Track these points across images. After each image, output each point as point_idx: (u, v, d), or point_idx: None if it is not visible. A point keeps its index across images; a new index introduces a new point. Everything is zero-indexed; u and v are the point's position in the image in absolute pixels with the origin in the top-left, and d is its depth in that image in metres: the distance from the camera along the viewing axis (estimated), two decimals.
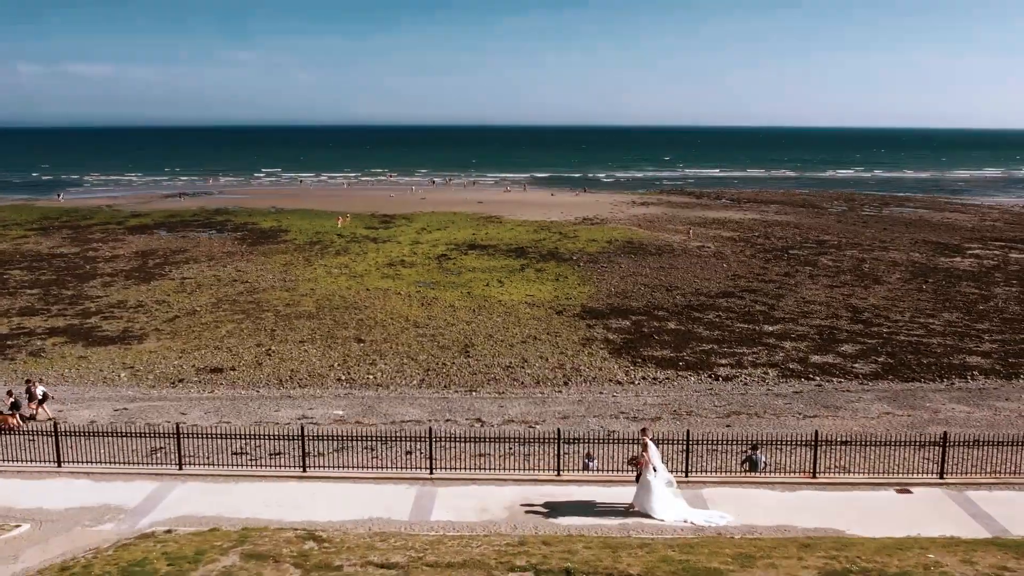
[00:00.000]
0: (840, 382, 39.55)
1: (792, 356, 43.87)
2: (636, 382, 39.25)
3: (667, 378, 39.94)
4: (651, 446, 20.79)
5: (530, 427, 31.14)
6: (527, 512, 20.59)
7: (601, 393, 37.04)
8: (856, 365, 42.35)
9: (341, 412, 33.19)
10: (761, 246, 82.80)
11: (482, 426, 31.51)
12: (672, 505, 20.26)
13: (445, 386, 38.63)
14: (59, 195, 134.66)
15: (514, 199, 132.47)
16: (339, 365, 42.00)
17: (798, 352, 44.68)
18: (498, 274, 66.48)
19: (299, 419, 32.50)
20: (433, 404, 34.61)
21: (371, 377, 39.98)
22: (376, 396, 36.51)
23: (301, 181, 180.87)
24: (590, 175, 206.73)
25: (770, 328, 49.81)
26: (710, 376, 40.32)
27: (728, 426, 30.98)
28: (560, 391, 37.63)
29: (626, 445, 23.87)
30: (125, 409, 34.26)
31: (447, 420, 32.05)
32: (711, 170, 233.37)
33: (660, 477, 20.54)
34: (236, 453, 25.54)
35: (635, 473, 21.15)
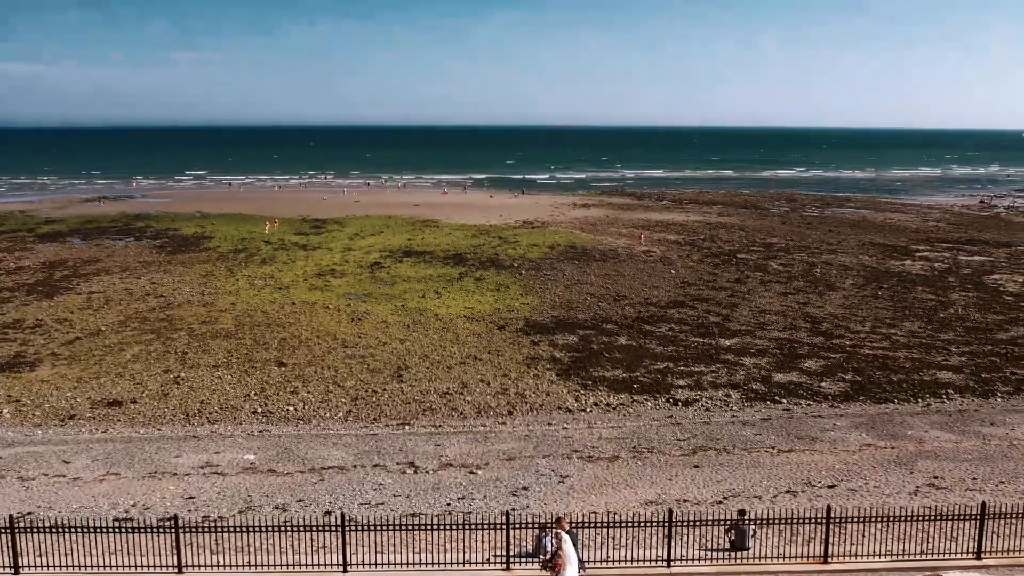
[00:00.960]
0: (809, 405, 36.26)
1: (754, 375, 40.52)
2: (588, 409, 35.44)
3: (621, 404, 36.21)
4: (567, 541, 16.77)
5: (471, 473, 27.09)
6: None
7: (550, 425, 33.13)
8: (823, 384, 39.15)
9: (252, 457, 28.75)
10: (708, 250, 79.90)
11: (415, 472, 27.34)
12: None
13: (375, 419, 34.33)
14: None
15: (452, 201, 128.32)
16: (256, 394, 37.42)
17: (759, 370, 41.36)
18: (435, 284, 62.29)
19: (202, 467, 27.99)
20: (360, 443, 30.33)
21: (291, 409, 35.49)
22: (296, 433, 32.09)
23: (230, 184, 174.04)
24: (529, 176, 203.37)
25: (727, 342, 46.48)
26: (668, 400, 36.70)
27: (696, 467, 27.29)
28: (504, 422, 33.63)
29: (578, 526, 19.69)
30: None
31: (375, 465, 27.80)
32: (650, 170, 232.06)
33: None
34: (118, 518, 21.00)
35: None
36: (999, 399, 37.19)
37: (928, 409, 35.41)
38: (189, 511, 23.66)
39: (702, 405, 36.03)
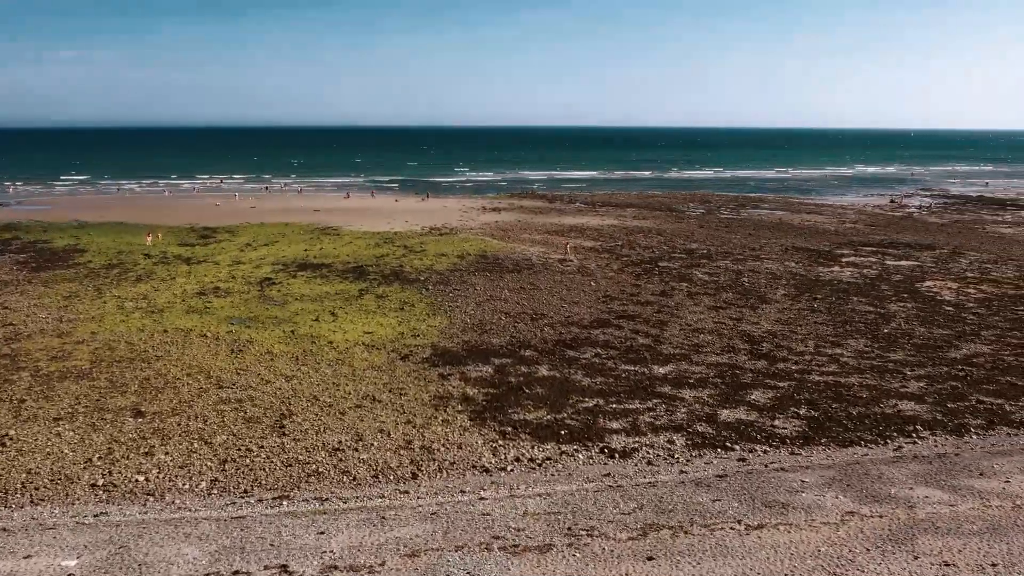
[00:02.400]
0: (766, 451, 31.01)
1: (697, 412, 35.14)
2: (508, 468, 29.43)
3: (548, 458, 30.31)
4: None
5: None
6: None
7: (463, 493, 26.95)
8: (776, 423, 34.01)
9: (73, 563, 21.79)
10: (628, 258, 74.93)
11: None
12: None
13: (245, 490, 27.63)
14: None
15: (355, 206, 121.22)
16: (101, 458, 30.23)
17: (703, 406, 36.03)
18: (331, 303, 55.52)
19: None
20: (221, 533, 23.61)
21: (141, 479, 28.47)
22: (140, 519, 25.14)
23: (118, 188, 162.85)
24: (436, 178, 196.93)
25: (661, 370, 41.11)
26: (603, 451, 30.97)
27: (651, 559, 21.42)
28: (406, 491, 27.33)
29: None
30: None
31: (236, 573, 21.20)
32: (561, 171, 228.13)
33: None
34: None
35: None
36: (975, 437, 32.65)
37: (902, 454, 30.51)
38: None
39: (643, 457, 30.40)
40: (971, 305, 56.54)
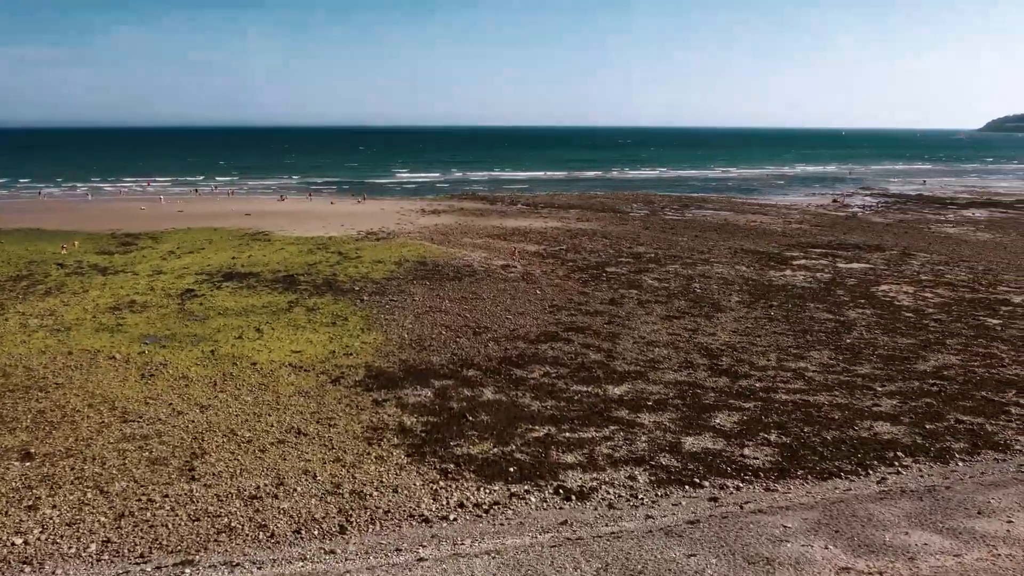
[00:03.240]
0: (739, 488, 27.81)
1: (659, 442, 31.85)
2: (451, 516, 25.76)
3: (496, 502, 26.70)
4: None
5: None
6: None
7: (399, 552, 23.18)
8: (746, 452, 30.88)
9: None
10: (573, 263, 71.69)
11: None
12: None
13: (143, 553, 23.51)
14: None
15: (289, 209, 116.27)
16: None
17: (664, 432, 32.78)
18: (257, 318, 51.21)
19: None
20: None
21: (19, 542, 24.08)
22: None
23: (40, 192, 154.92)
24: (372, 179, 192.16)
25: (616, 391, 37.80)
26: (557, 491, 27.47)
27: None
28: (333, 551, 23.47)
29: None
30: None
31: None
32: (502, 172, 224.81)
33: None
34: None
35: None
36: (961, 464, 29.91)
37: (888, 488, 27.53)
38: None
39: (603, 498, 26.97)
40: (931, 311, 54.37)
